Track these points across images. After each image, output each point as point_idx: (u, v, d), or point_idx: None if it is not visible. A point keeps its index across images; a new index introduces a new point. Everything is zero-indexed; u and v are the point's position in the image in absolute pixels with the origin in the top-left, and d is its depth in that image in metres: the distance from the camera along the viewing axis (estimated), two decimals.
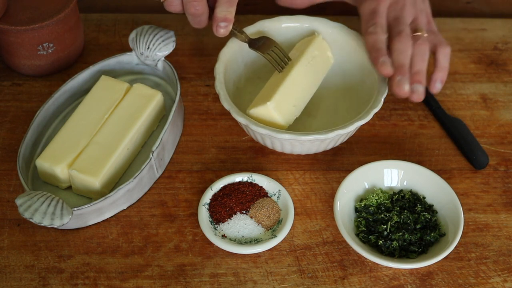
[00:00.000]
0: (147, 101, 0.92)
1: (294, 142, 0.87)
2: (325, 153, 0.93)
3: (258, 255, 0.84)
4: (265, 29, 0.97)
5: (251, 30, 0.96)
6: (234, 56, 0.95)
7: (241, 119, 0.87)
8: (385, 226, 0.83)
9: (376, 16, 0.93)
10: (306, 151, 0.91)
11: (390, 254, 0.83)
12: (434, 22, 0.96)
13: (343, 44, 0.98)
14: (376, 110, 0.88)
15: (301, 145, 0.89)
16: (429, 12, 0.97)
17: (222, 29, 0.90)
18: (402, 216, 0.84)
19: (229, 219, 0.86)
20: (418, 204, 0.86)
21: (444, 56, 0.92)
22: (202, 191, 0.89)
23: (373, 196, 0.86)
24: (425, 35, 0.92)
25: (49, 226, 0.79)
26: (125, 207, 0.87)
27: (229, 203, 0.86)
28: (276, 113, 0.89)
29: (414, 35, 0.91)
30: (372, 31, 0.92)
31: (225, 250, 0.84)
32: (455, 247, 0.83)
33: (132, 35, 0.95)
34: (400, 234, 0.83)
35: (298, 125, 0.94)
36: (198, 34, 1.08)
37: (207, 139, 0.95)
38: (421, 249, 0.83)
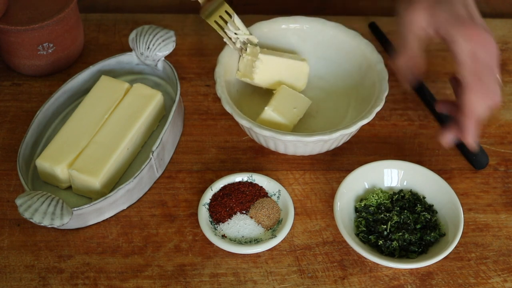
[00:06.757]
0: (147, 101, 0.92)
1: (298, 143, 0.88)
2: (325, 153, 0.93)
3: (258, 255, 0.84)
4: (264, 30, 0.97)
5: (249, 31, 0.96)
6: (233, 58, 0.95)
7: (244, 122, 0.87)
8: (385, 226, 0.83)
9: (477, 63, 0.79)
10: (309, 152, 0.91)
11: (390, 254, 0.83)
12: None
13: (342, 44, 0.98)
14: (378, 109, 0.89)
15: (304, 146, 0.89)
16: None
17: None
18: (402, 216, 0.84)
19: (229, 219, 0.86)
20: (418, 204, 0.86)
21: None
22: (202, 191, 0.89)
23: (373, 196, 0.86)
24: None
25: (49, 226, 0.79)
26: (125, 207, 0.87)
27: (229, 203, 0.86)
28: (276, 114, 0.91)
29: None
30: (476, 98, 0.79)
31: (225, 250, 0.84)
32: (455, 247, 0.83)
33: (132, 35, 0.95)
34: (400, 234, 0.83)
35: (299, 126, 0.94)
36: (198, 34, 1.08)
37: (207, 139, 0.95)
38: (421, 249, 0.83)
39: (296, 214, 0.88)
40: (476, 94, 0.80)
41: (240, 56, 0.95)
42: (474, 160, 0.93)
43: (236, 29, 0.93)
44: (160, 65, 0.95)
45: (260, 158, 0.93)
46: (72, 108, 0.95)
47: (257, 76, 0.94)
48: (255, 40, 0.95)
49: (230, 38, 0.94)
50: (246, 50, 0.94)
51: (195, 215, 0.87)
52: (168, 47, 0.94)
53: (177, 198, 0.89)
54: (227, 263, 0.83)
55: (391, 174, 0.88)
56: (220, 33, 0.93)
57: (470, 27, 0.79)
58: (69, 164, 0.86)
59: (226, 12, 0.93)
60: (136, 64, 0.97)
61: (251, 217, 0.86)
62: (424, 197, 0.87)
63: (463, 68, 0.80)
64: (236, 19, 0.93)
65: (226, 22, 0.93)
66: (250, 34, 0.95)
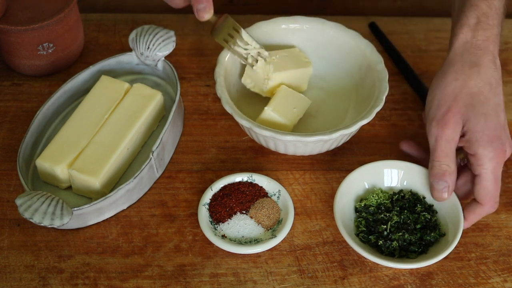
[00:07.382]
0: (147, 101, 0.92)
1: (298, 143, 0.88)
2: (325, 153, 0.93)
3: (258, 255, 0.84)
4: (264, 30, 0.97)
5: (249, 31, 0.96)
6: (233, 58, 0.95)
7: (244, 122, 0.87)
8: (385, 226, 0.83)
9: (497, 185, 0.82)
10: (310, 152, 0.91)
11: (390, 254, 0.83)
12: None
13: (342, 44, 0.98)
14: (378, 109, 0.89)
15: (304, 146, 0.89)
16: None
17: (202, 13, 0.88)
18: (402, 216, 0.84)
19: (229, 219, 0.86)
20: (418, 204, 0.85)
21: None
22: (202, 191, 0.89)
23: (373, 196, 0.86)
24: None
25: (49, 226, 0.79)
26: (125, 207, 0.88)
27: (229, 203, 0.86)
28: (276, 114, 0.91)
29: None
30: (485, 213, 0.83)
31: (225, 250, 0.84)
32: (455, 247, 0.83)
33: (132, 35, 0.95)
34: (400, 234, 0.83)
35: (299, 126, 0.94)
36: (198, 34, 1.08)
37: (207, 139, 0.95)
38: (421, 249, 0.83)
39: (296, 214, 0.88)
40: (486, 210, 0.83)
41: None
42: None
43: (245, 45, 0.93)
44: (160, 65, 0.95)
45: (260, 158, 0.93)
46: (72, 108, 0.95)
47: (268, 90, 0.94)
48: (266, 53, 0.94)
49: (242, 55, 0.93)
50: (256, 62, 0.94)
51: (195, 215, 0.87)
52: (168, 47, 0.94)
53: (177, 198, 0.89)
54: (227, 263, 0.83)
55: (391, 174, 0.88)
56: (230, 51, 0.93)
57: (498, 151, 0.81)
58: (69, 164, 0.86)
59: (234, 28, 0.93)
60: (136, 64, 0.97)
61: (251, 217, 0.86)
62: (424, 197, 0.87)
63: (485, 191, 0.82)
64: (244, 34, 0.93)
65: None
66: (261, 47, 0.94)
